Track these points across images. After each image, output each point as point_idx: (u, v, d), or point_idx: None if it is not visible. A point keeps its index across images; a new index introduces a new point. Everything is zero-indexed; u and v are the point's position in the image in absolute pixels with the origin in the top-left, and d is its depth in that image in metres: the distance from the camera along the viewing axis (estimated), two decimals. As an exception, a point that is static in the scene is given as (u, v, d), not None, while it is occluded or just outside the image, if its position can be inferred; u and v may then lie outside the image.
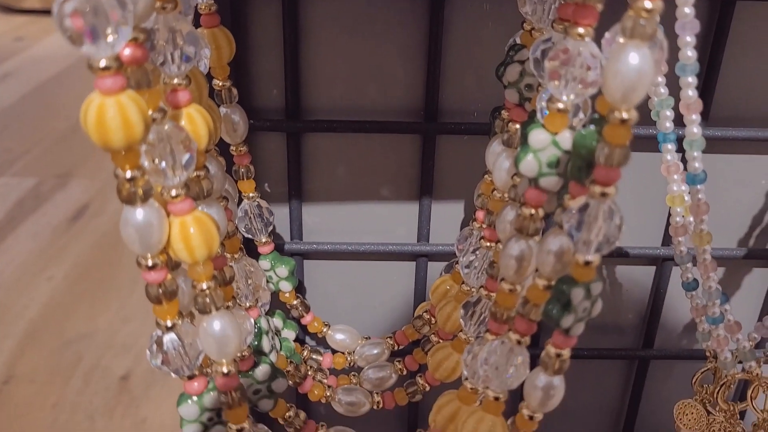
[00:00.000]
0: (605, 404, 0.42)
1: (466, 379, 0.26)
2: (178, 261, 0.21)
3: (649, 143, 0.31)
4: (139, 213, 0.20)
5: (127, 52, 0.18)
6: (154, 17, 0.21)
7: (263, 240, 0.32)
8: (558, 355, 0.23)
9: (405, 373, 0.33)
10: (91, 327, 1.24)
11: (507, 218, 0.27)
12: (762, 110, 0.35)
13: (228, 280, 0.24)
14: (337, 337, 0.34)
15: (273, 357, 0.29)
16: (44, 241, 1.46)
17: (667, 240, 0.37)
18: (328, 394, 0.31)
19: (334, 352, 0.34)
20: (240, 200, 0.31)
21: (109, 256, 1.37)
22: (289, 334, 0.32)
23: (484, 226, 0.30)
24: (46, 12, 2.78)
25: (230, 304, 0.24)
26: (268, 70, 0.33)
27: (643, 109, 0.28)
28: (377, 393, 0.32)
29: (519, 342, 0.24)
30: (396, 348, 0.33)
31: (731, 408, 0.31)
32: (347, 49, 0.32)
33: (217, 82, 0.28)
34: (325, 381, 0.32)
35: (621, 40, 0.19)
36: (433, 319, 0.33)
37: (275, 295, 0.33)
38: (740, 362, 0.30)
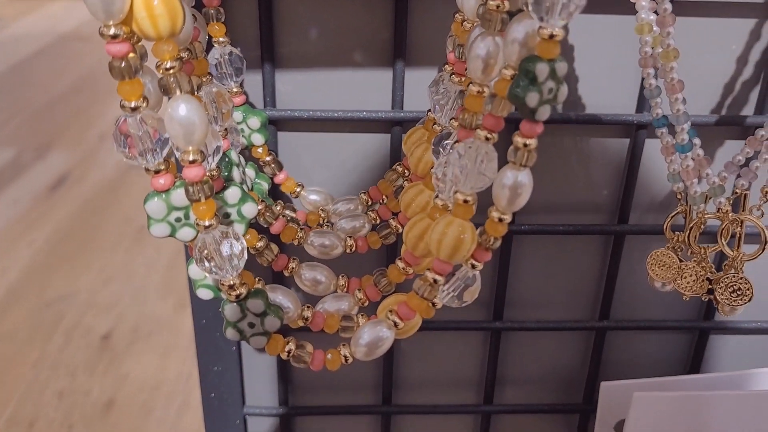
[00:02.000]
0: (583, 284, 0.43)
1: (437, 196, 0.26)
2: (142, 36, 0.21)
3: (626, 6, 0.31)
4: (100, -27, 0.19)
5: None
6: None
7: (234, 89, 0.32)
8: (525, 145, 0.23)
9: (379, 222, 0.33)
10: (72, 288, 1.23)
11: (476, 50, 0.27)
12: (731, -32, 0.35)
13: (196, 88, 0.24)
14: (311, 197, 0.34)
15: (245, 189, 0.29)
16: (24, 209, 1.45)
17: (641, 108, 0.37)
18: (300, 235, 0.31)
19: (308, 213, 0.34)
20: (210, 47, 0.31)
21: (90, 221, 1.36)
22: (263, 185, 0.32)
23: (456, 67, 0.30)
24: (23, -6, 2.75)
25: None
26: None
27: None
28: (350, 237, 0.32)
29: (487, 138, 0.24)
30: (370, 203, 0.33)
31: (702, 251, 0.31)
32: None
33: None
34: (296, 226, 0.32)
35: None
36: (406, 171, 0.33)
37: (248, 152, 0.33)
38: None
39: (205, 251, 0.23)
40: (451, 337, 0.44)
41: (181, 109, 0.22)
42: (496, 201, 0.24)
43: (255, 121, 0.32)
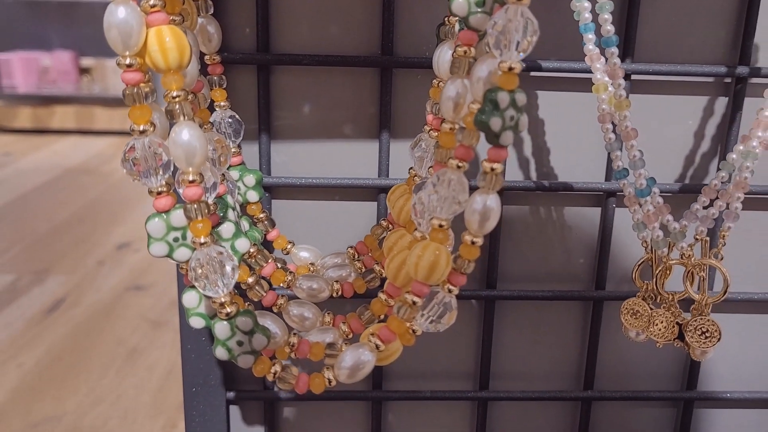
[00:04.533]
0: (567, 353, 0.44)
1: (415, 229, 0.29)
2: (153, 67, 0.24)
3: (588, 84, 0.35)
4: (121, 11, 0.23)
5: None
6: None
7: (232, 149, 0.35)
8: (492, 169, 0.25)
9: (364, 270, 0.35)
10: (59, 410, 1.21)
11: (447, 93, 0.30)
12: (680, 52, 0.39)
13: (200, 125, 0.27)
14: (301, 254, 0.36)
15: (239, 227, 0.31)
16: (18, 331, 1.45)
17: (609, 177, 0.40)
18: (288, 279, 0.33)
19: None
20: (212, 110, 0.34)
21: (82, 343, 1.36)
22: (256, 234, 0.34)
23: (434, 123, 0.33)
24: (36, 131, 2.89)
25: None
26: (242, 12, 0.37)
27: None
28: (336, 282, 0.33)
29: (458, 167, 0.26)
30: (357, 256, 0.35)
31: (671, 297, 0.33)
32: (312, -10, 0.37)
33: (195, -7, 0.32)
34: (285, 270, 0.33)
35: None
36: (391, 225, 0.35)
37: (242, 209, 0.35)
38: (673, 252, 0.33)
39: (199, 269, 0.25)
40: (439, 409, 0.44)
41: (184, 133, 0.24)
42: (468, 225, 0.26)
43: (250, 179, 0.35)
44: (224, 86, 0.34)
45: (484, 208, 0.26)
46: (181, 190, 0.25)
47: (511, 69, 0.24)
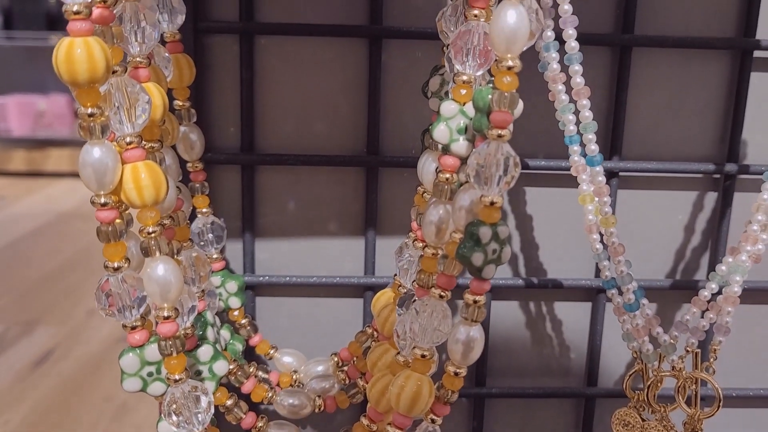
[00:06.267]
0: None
1: (398, 353, 0.28)
2: (129, 204, 0.23)
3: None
4: (96, 152, 0.22)
5: (96, 12, 0.22)
6: (123, 4, 0.25)
7: (214, 255, 0.34)
8: (475, 302, 0.25)
9: (348, 382, 0.34)
10: (45, 469, 1.18)
11: (429, 217, 0.29)
12: (668, 148, 0.39)
13: (176, 251, 0.27)
14: (285, 359, 0.35)
15: (217, 348, 0.30)
16: (5, 386, 1.42)
17: (599, 273, 0.39)
18: (270, 395, 0.32)
19: (281, 375, 0.35)
20: (194, 216, 0.34)
21: (70, 400, 1.34)
22: (237, 346, 0.33)
23: (418, 233, 0.32)
24: (30, 174, 2.89)
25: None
26: (226, 110, 0.37)
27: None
28: (319, 397, 0.32)
29: (441, 296, 0.26)
30: (341, 365, 0.35)
31: (663, 410, 0.32)
32: (297, 90, 0.37)
33: (178, 102, 0.32)
34: (266, 385, 0.33)
35: (497, 2, 0.23)
36: (375, 332, 0.34)
37: (225, 315, 0.35)
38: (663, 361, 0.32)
39: (174, 405, 0.24)
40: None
41: (159, 269, 0.24)
42: (451, 355, 0.25)
43: (232, 286, 0.34)
44: (206, 193, 0.33)
45: (467, 339, 0.25)
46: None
47: (492, 204, 0.24)
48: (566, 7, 0.27)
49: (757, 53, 0.38)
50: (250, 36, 0.36)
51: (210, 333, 0.29)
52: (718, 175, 0.39)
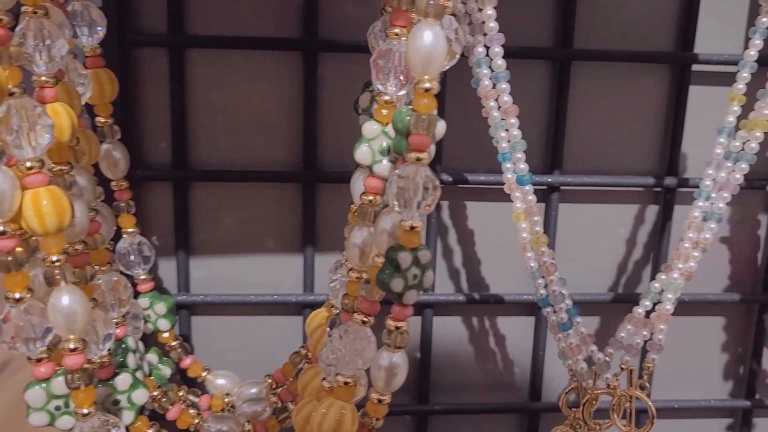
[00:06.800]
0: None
1: (324, 379, 0.27)
2: (31, 233, 0.22)
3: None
4: (-9, 177, 0.21)
5: (-10, 30, 0.21)
6: (26, 21, 0.23)
7: (142, 276, 0.33)
8: (397, 328, 0.24)
9: (280, 405, 0.33)
10: None
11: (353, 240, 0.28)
12: (609, 161, 0.39)
13: (89, 278, 0.25)
14: (218, 382, 0.34)
15: (139, 376, 0.29)
16: (-40, 398, 1.38)
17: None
18: (196, 421, 0.31)
19: (214, 397, 0.34)
20: (120, 237, 0.32)
21: (24, 416, 1.30)
22: (165, 370, 0.32)
23: (351, 253, 0.32)
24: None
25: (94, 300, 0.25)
26: (157, 125, 0.35)
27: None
28: (248, 422, 0.32)
29: (363, 322, 0.25)
30: (275, 387, 0.34)
31: (598, 427, 0.32)
32: (231, 104, 0.36)
33: (100, 119, 0.31)
34: (194, 411, 0.32)
35: (418, 21, 0.22)
36: (309, 353, 0.33)
37: (154, 336, 0.34)
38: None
39: (83, 440, 0.23)
40: None
41: (64, 299, 0.23)
42: (374, 382, 0.25)
43: (161, 307, 0.33)
44: (132, 212, 0.32)
45: (390, 365, 0.25)
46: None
47: (412, 228, 0.23)
48: (492, 25, 0.27)
49: (695, 67, 0.38)
50: (179, 49, 0.35)
51: (131, 359, 0.28)
52: (658, 189, 0.39)
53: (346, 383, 0.25)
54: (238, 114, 0.36)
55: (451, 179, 0.37)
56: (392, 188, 0.23)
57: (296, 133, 0.36)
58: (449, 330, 0.40)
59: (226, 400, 0.33)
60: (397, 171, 0.23)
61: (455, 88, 0.36)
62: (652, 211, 0.40)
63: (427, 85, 0.22)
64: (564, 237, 0.39)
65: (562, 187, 0.38)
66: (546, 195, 0.38)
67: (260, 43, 0.35)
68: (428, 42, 0.22)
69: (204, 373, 0.34)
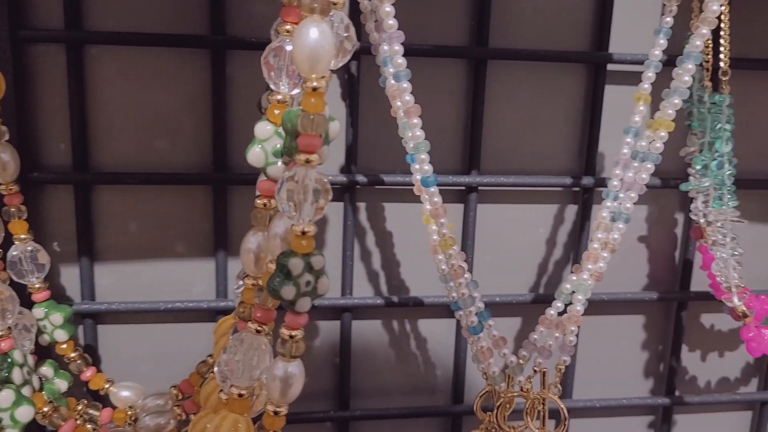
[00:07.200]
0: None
1: (221, 391, 0.26)
2: None
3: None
4: None
5: None
6: None
7: (36, 285, 0.31)
8: (291, 337, 0.23)
9: (185, 417, 0.32)
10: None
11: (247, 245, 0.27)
12: (527, 161, 0.38)
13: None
14: (122, 394, 0.33)
15: (26, 392, 0.27)
16: None
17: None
18: (93, 437, 0.30)
19: (117, 409, 0.33)
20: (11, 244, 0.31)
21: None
22: (61, 384, 0.31)
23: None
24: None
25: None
26: (55, 126, 0.34)
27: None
28: (149, 435, 0.30)
29: (258, 331, 0.24)
30: (181, 397, 0.32)
31: (512, 431, 0.32)
32: (135, 103, 0.34)
33: (-14, 120, 0.29)
34: (91, 426, 0.30)
35: (304, 17, 0.21)
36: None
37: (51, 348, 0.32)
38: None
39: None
40: None
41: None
42: (269, 393, 0.24)
43: (57, 318, 0.31)
44: (24, 217, 0.30)
45: (285, 375, 0.24)
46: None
47: (304, 233, 0.22)
48: (390, 22, 0.26)
49: (610, 66, 0.38)
50: (78, 45, 0.33)
51: (16, 374, 0.26)
52: (577, 189, 0.39)
53: (240, 395, 0.24)
54: (142, 114, 0.34)
55: (366, 180, 0.36)
56: (281, 191, 0.22)
57: (205, 134, 0.35)
58: (369, 334, 0.39)
59: (129, 413, 0.32)
60: (286, 173, 0.22)
61: (369, 87, 0.35)
62: (572, 210, 0.40)
63: (315, 84, 0.21)
64: (483, 238, 0.38)
65: (480, 188, 0.38)
66: (464, 196, 0.38)
67: (166, 39, 0.33)
68: (314, 39, 0.21)
69: (107, 385, 0.33)
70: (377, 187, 0.37)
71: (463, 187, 0.38)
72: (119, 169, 0.35)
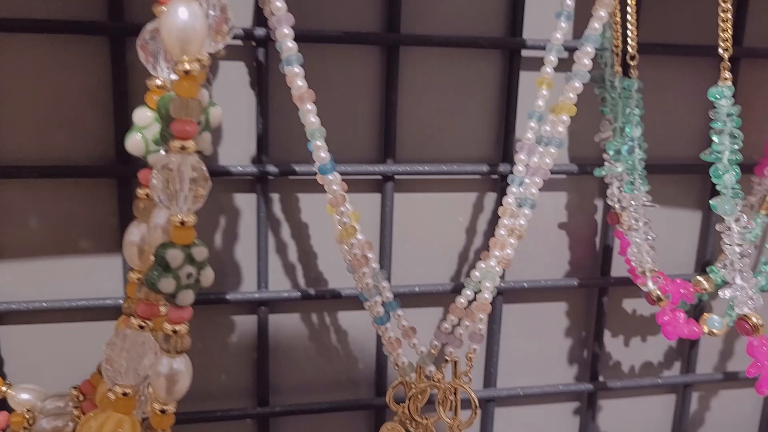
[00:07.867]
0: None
1: (110, 390, 0.25)
2: None
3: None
4: None
5: None
6: None
7: (-77, 285, 0.30)
8: (175, 332, 0.22)
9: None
10: None
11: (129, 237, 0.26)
12: (444, 149, 0.38)
13: None
14: (21, 396, 0.31)
15: None
16: None
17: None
18: (-20, 444, 0.28)
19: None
20: None
21: None
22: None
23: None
24: None
25: None
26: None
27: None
28: (44, 440, 0.29)
29: (141, 327, 0.23)
30: (82, 398, 0.31)
31: (426, 422, 0.31)
32: (31, 94, 0.33)
33: None
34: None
35: (173, -3, 0.20)
36: (120, 361, 0.31)
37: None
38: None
39: None
40: None
41: None
42: (155, 391, 0.23)
43: (-55, 318, 0.30)
44: None
45: (170, 372, 0.23)
46: None
47: (183, 223, 0.21)
48: (278, 5, 0.25)
49: (525, 52, 0.37)
50: (-35, 33, 0.31)
51: None
52: (495, 176, 0.39)
53: (125, 394, 0.23)
54: (38, 104, 0.33)
55: (278, 171, 0.35)
56: (156, 181, 0.21)
57: (106, 125, 0.34)
58: (287, 328, 0.38)
59: (27, 416, 0.31)
60: (158, 161, 0.21)
61: (280, 76, 0.34)
62: (490, 198, 0.39)
63: (187, 66, 0.20)
64: (402, 227, 0.38)
65: (397, 177, 0.37)
66: (381, 185, 0.37)
67: (62, 26, 0.32)
68: (182, 20, 0.20)
69: (4, 388, 0.31)
70: (290, 177, 0.36)
71: (380, 177, 0.37)
72: (18, 162, 0.33)
